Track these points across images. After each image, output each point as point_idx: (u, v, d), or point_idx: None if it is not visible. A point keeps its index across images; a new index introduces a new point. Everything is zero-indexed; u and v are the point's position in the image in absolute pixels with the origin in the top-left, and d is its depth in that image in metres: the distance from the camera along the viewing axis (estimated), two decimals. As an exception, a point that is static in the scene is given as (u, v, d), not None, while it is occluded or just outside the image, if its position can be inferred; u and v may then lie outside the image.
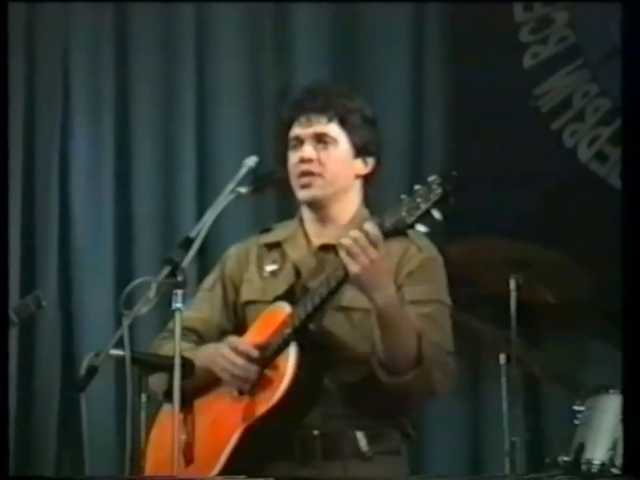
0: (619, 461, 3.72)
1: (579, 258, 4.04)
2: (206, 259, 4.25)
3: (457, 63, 4.61)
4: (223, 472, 2.69)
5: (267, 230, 2.96)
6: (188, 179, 4.67)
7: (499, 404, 4.06)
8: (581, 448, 3.81)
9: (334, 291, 2.66)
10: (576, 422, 3.89)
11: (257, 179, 2.74)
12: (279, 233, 2.92)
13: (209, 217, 2.65)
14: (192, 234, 2.63)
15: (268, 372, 2.71)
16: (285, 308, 2.74)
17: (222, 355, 2.74)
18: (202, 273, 4.30)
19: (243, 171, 2.73)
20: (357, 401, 2.73)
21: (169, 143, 4.72)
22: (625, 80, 2.96)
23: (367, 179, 2.87)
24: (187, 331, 2.86)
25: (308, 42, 4.67)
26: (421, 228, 2.54)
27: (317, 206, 2.85)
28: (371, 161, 2.86)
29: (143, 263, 4.60)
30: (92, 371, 2.55)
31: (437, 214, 2.51)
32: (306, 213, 2.88)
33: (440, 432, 4.44)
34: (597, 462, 3.75)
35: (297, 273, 2.82)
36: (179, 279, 2.57)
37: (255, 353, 2.72)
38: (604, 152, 4.56)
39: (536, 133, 4.54)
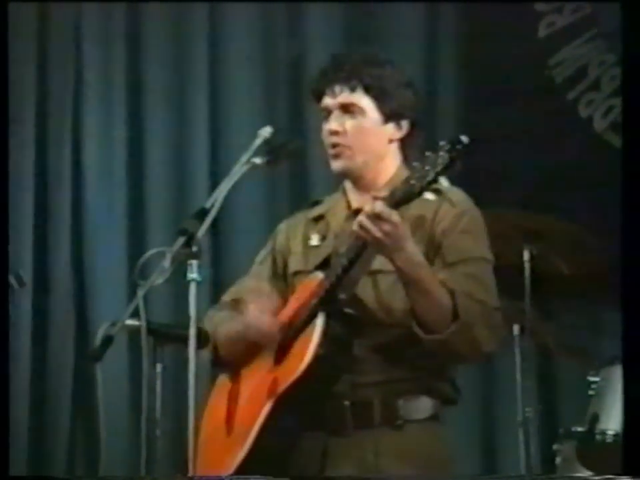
0: (633, 431, 3.71)
1: (593, 228, 4.02)
2: (219, 229, 4.29)
3: (471, 32, 4.59)
4: (255, 443, 2.69)
5: (316, 202, 2.97)
6: (200, 148, 4.66)
7: (512, 375, 4.06)
8: (595, 418, 3.79)
9: (354, 260, 2.66)
10: (590, 392, 3.88)
11: (271, 150, 2.73)
12: (325, 205, 2.93)
13: (224, 187, 2.64)
14: (207, 204, 2.62)
15: (298, 341, 2.71)
16: (317, 277, 2.75)
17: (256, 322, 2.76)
18: (215, 243, 4.35)
19: (257, 142, 2.71)
20: (387, 367, 2.72)
21: (182, 112, 4.70)
22: (624, 81, 2.94)
23: (404, 142, 2.84)
24: (236, 302, 2.86)
25: (321, 11, 4.64)
26: (428, 196, 2.53)
27: (351, 176, 2.85)
28: (405, 124, 2.82)
29: (155, 234, 4.59)
30: (108, 340, 2.55)
31: (443, 181, 2.51)
32: (346, 183, 2.89)
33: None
34: (611, 432, 3.74)
35: (337, 240, 2.83)
36: (194, 249, 2.56)
37: (275, 328, 2.75)
38: (619, 122, 4.53)
39: (551, 103, 4.51)
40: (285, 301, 2.85)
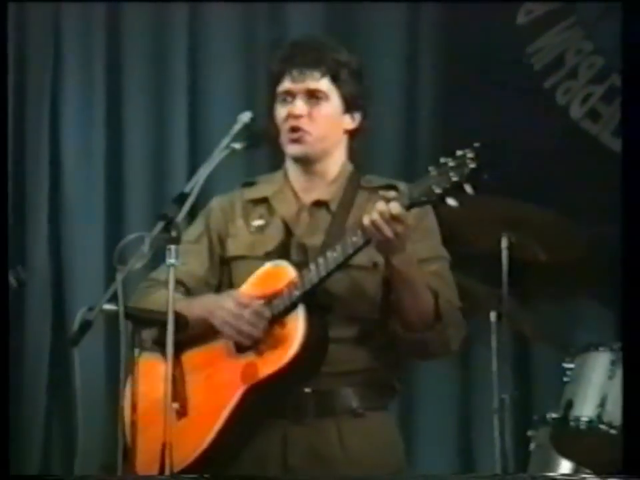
0: (606, 417, 3.75)
1: (570, 216, 4.04)
2: (197, 215, 4.27)
3: (450, 19, 4.59)
4: (223, 427, 2.69)
5: (249, 184, 2.93)
6: (179, 133, 4.64)
7: (488, 361, 4.08)
8: (570, 405, 3.83)
9: (350, 257, 2.66)
10: (565, 379, 3.91)
11: (251, 135, 2.72)
12: (265, 187, 2.90)
13: (203, 172, 2.64)
14: (186, 189, 2.62)
15: (275, 332, 2.70)
16: (288, 268, 2.73)
17: (225, 309, 2.72)
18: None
19: (237, 127, 2.71)
20: (350, 359, 2.75)
21: (161, 96, 4.68)
22: (624, 82, 2.96)
23: (352, 134, 2.86)
24: (174, 283, 2.84)
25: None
26: (451, 202, 2.51)
27: (305, 162, 2.84)
28: (357, 116, 2.84)
29: (134, 218, 4.58)
30: (85, 325, 2.55)
31: (469, 188, 2.49)
32: (292, 168, 2.87)
33: (429, 388, 4.46)
34: (585, 418, 3.77)
35: (286, 228, 2.81)
36: (173, 234, 2.56)
37: (265, 311, 2.71)
38: (596, 110, 4.55)
39: (528, 91, 4.52)
40: (224, 284, 2.83)
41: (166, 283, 2.73)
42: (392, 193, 2.61)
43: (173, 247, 2.56)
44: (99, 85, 4.68)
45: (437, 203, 2.54)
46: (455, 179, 2.49)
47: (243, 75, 4.66)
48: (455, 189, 2.50)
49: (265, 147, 2.86)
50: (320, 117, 2.79)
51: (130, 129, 4.68)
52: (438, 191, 2.51)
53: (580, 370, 3.90)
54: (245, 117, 2.72)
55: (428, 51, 4.63)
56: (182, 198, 2.60)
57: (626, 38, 2.93)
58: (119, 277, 2.54)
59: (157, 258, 2.63)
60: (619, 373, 3.77)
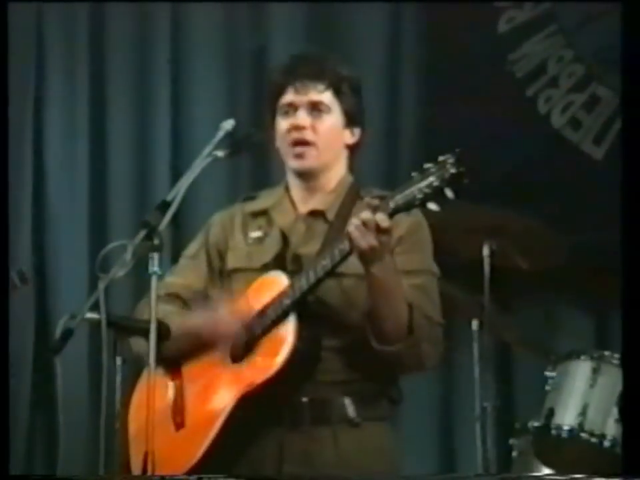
0: (588, 426, 3.76)
1: (551, 224, 4.06)
2: (180, 222, 4.27)
3: (431, 27, 4.60)
4: (216, 437, 2.69)
5: (251, 197, 2.95)
6: (162, 141, 4.65)
7: (470, 369, 4.09)
8: (551, 413, 3.83)
9: (338, 264, 2.66)
10: (547, 388, 3.92)
11: (234, 142, 2.72)
12: (264, 200, 2.91)
13: (186, 180, 2.64)
14: (168, 197, 2.61)
15: (267, 341, 2.71)
16: (281, 277, 2.74)
17: (214, 320, 2.74)
18: (176, 237, 4.34)
19: (220, 134, 2.71)
20: (346, 368, 2.75)
21: (143, 105, 4.69)
22: (624, 84, 2.97)
23: (352, 149, 2.87)
24: (172, 297, 2.86)
25: (284, 5, 4.64)
26: (432, 206, 2.54)
27: (307, 176, 2.84)
28: (357, 131, 2.86)
29: (117, 226, 4.58)
30: (67, 333, 2.53)
31: (449, 193, 2.52)
32: (293, 181, 2.87)
33: (411, 396, 4.44)
34: (566, 427, 3.78)
35: (284, 239, 2.82)
36: (156, 242, 2.56)
37: (255, 325, 2.72)
38: (577, 118, 4.57)
39: (510, 99, 4.54)
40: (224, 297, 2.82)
41: (163, 297, 2.79)
42: (375, 201, 2.61)
43: (155, 254, 2.55)
44: (81, 95, 4.68)
45: (419, 207, 2.57)
46: (436, 183, 2.52)
47: (225, 82, 4.66)
48: (437, 194, 2.52)
49: (247, 155, 2.85)
50: (323, 129, 2.79)
51: (113, 137, 4.68)
52: (420, 195, 2.53)
53: (561, 378, 3.90)
54: (228, 124, 2.72)
55: (409, 60, 4.64)
56: (164, 206, 2.59)
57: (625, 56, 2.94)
58: (101, 285, 2.53)
59: (139, 266, 2.62)
60: (600, 382, 3.79)
